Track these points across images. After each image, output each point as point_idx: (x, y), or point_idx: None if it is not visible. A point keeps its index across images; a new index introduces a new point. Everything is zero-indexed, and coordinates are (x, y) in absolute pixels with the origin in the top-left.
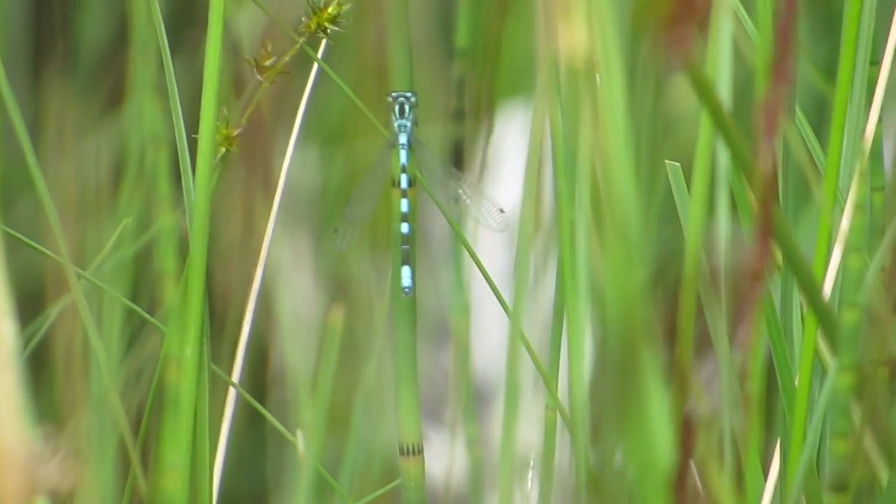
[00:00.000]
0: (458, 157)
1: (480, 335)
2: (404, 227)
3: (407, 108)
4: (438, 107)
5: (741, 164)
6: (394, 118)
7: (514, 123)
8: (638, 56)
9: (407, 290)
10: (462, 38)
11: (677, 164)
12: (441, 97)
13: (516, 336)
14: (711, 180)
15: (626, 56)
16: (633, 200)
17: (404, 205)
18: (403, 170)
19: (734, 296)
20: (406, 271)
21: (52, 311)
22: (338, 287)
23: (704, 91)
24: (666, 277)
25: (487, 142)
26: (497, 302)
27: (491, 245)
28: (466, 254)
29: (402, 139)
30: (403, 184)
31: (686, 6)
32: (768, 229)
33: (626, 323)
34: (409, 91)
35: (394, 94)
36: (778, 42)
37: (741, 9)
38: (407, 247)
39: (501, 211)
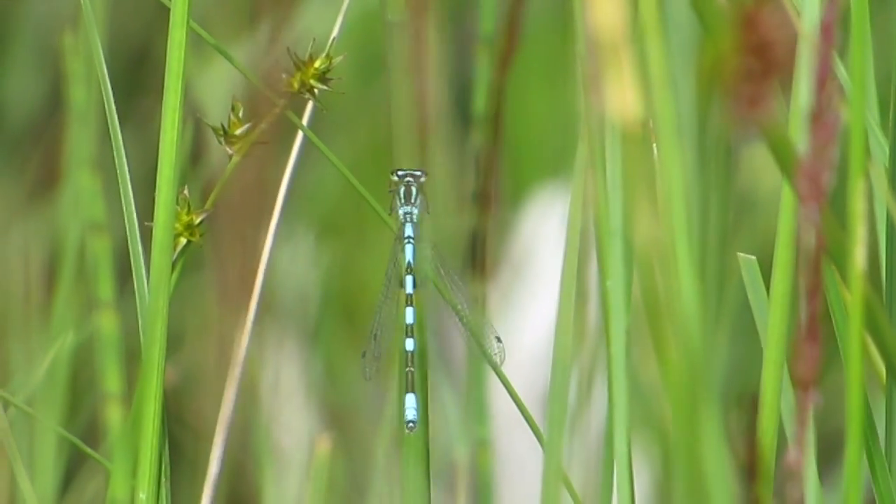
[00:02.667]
0: (476, 256)
1: (510, 476)
2: (409, 344)
3: (414, 190)
4: (452, 189)
5: (835, 254)
6: (398, 203)
7: (550, 210)
8: (705, 122)
9: (411, 424)
10: (482, 102)
11: (752, 257)
12: (456, 177)
13: (554, 477)
14: (795, 277)
15: (689, 122)
16: (699, 305)
17: (409, 314)
18: (409, 269)
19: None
20: (410, 401)
21: None
22: (332, 414)
23: (787, 162)
24: (741, 401)
25: (515, 234)
26: (530, 434)
27: (522, 363)
28: (492, 374)
29: (409, 230)
30: (408, 287)
31: (763, 59)
32: (816, 324)
33: (691, 459)
34: (417, 169)
35: (399, 173)
36: (818, 88)
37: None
38: (412, 369)
39: (498, 340)
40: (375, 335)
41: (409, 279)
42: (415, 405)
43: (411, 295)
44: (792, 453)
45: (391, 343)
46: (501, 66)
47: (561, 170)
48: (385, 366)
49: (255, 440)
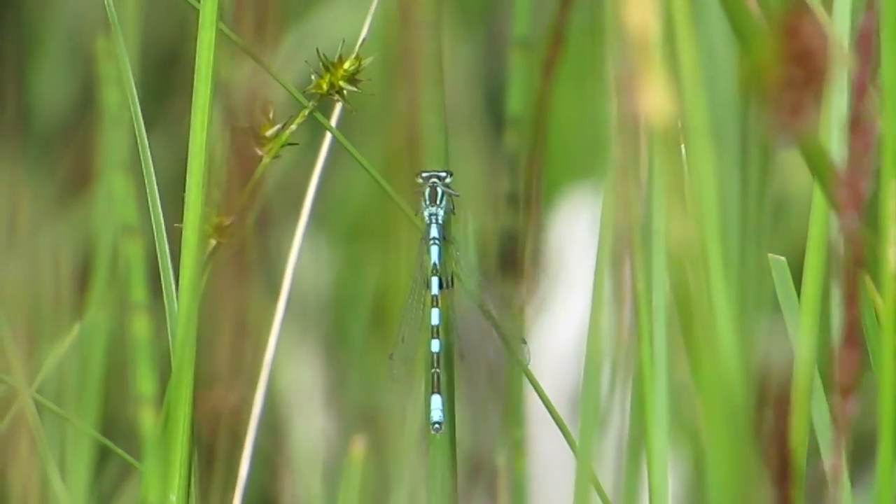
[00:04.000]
0: (509, 257)
1: (540, 478)
2: (434, 345)
3: (440, 191)
4: (485, 191)
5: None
6: (424, 205)
7: (579, 212)
8: (740, 125)
9: (437, 426)
10: (515, 103)
11: (783, 258)
12: (488, 178)
13: (584, 478)
14: (827, 279)
15: (723, 125)
16: (731, 306)
17: (434, 315)
18: (434, 270)
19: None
20: (436, 402)
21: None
22: (359, 415)
23: (822, 170)
24: (773, 402)
25: (546, 237)
26: (560, 436)
27: (552, 365)
28: (522, 376)
29: (434, 232)
30: (434, 288)
31: (804, 69)
32: (854, 330)
33: (722, 460)
34: (442, 170)
35: (424, 174)
36: (857, 96)
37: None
38: (438, 370)
39: (523, 342)
40: (402, 337)
41: (434, 280)
42: (441, 406)
43: (437, 296)
44: (830, 459)
45: (418, 344)
46: (546, 71)
47: (590, 171)
48: (413, 367)
49: (283, 441)
